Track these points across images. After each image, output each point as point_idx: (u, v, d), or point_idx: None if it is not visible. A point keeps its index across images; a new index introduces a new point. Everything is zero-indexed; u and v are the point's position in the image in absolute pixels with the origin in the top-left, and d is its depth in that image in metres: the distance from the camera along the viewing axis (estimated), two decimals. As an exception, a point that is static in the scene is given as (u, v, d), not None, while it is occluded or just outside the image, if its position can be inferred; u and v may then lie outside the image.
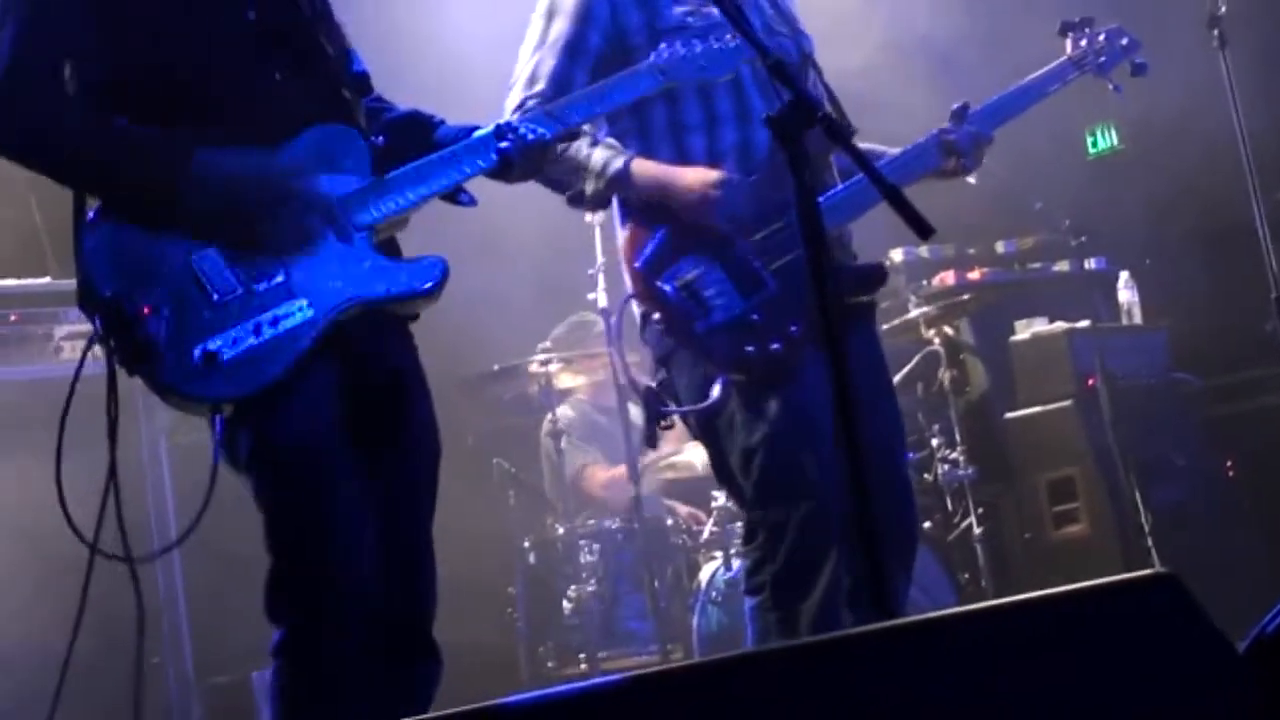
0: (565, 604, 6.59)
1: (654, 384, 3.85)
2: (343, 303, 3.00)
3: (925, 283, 7.32)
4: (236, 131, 3.02)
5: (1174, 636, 1.87)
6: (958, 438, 6.74)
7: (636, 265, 3.83)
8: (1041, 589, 2.05)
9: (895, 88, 6.71)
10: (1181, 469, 6.75)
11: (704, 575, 6.31)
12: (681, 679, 1.97)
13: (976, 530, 6.62)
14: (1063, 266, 7.64)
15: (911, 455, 6.65)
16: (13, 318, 5.48)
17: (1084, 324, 7.03)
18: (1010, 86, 4.13)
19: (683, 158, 3.88)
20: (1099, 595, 1.93)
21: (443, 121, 3.37)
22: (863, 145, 3.89)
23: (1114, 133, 8.30)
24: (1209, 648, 1.86)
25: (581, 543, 6.64)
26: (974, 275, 7.39)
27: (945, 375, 6.89)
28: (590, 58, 3.88)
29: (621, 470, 6.68)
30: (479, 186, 3.30)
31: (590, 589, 6.52)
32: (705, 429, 3.90)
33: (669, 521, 6.76)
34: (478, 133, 3.26)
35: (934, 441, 6.80)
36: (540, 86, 3.85)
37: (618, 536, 6.63)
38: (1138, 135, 7.92)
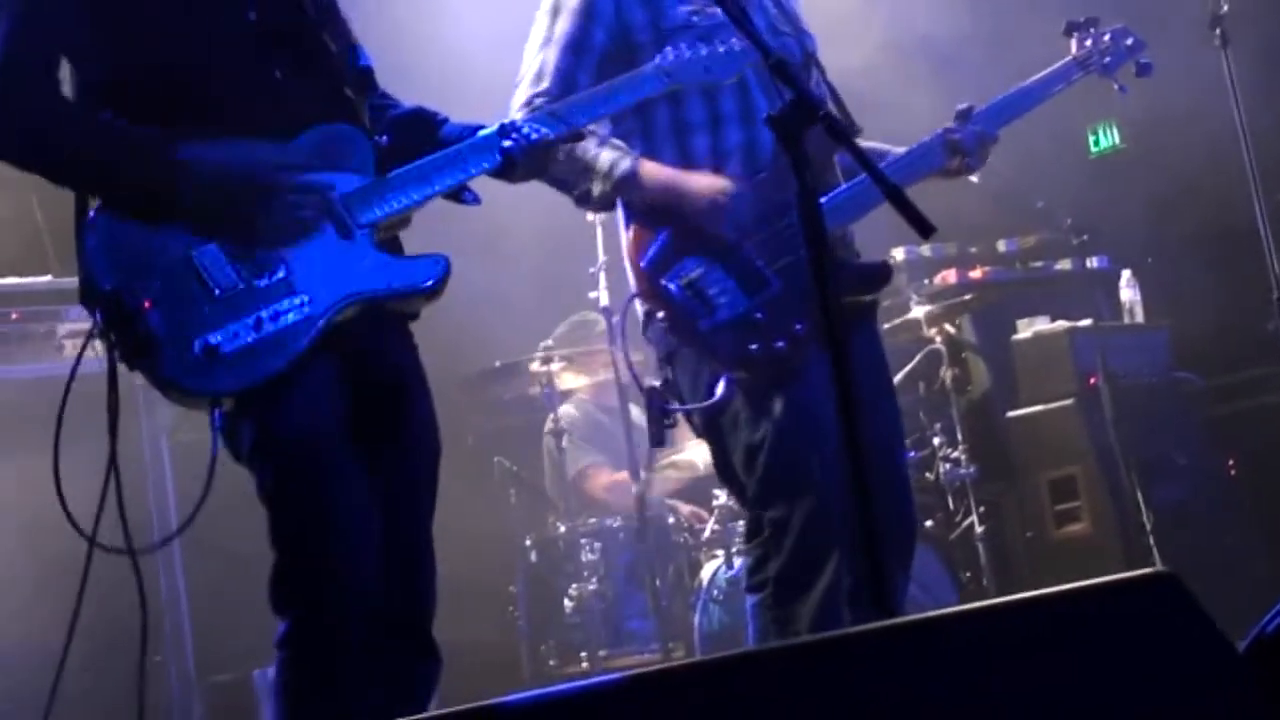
0: (567, 602, 6.59)
1: (657, 382, 3.85)
2: (343, 298, 3.00)
3: (927, 281, 7.31)
4: (237, 132, 3.02)
5: (1174, 635, 1.87)
6: (959, 436, 6.74)
7: (641, 264, 3.83)
8: (1043, 588, 2.05)
9: (896, 87, 6.71)
10: (1183, 468, 6.75)
11: (705, 573, 6.31)
12: (683, 677, 1.97)
13: (978, 529, 6.62)
14: (1065, 265, 7.64)
15: (913, 454, 6.66)
16: (14, 316, 5.49)
17: (1086, 323, 7.03)
18: (1015, 86, 4.12)
19: (686, 157, 3.88)
20: (1099, 594, 1.93)
21: (447, 119, 3.37)
22: (868, 145, 3.91)
23: (1116, 131, 8.29)
24: (1209, 647, 1.86)
25: (583, 541, 6.64)
26: (976, 274, 7.39)
27: (947, 374, 6.89)
28: (595, 55, 3.88)
29: (625, 475, 6.67)
30: (481, 184, 3.30)
31: (592, 587, 6.52)
32: (709, 426, 3.91)
33: (670, 520, 6.75)
34: (482, 132, 3.26)
35: (936, 440, 6.80)
36: (546, 84, 3.85)
37: (619, 535, 6.63)
38: (1140, 134, 7.92)
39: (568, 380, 7.21)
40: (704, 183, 3.81)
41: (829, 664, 1.89)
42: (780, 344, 3.72)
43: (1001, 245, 7.83)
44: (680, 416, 3.96)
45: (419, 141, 3.26)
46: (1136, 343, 7.09)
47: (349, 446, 3.03)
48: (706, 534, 6.55)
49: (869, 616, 2.69)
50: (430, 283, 3.10)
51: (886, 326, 6.66)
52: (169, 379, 2.91)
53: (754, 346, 3.73)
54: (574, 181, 3.86)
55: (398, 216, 3.14)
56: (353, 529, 2.99)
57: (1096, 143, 8.36)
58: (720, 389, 3.75)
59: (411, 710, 2.97)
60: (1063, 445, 6.82)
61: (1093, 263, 7.63)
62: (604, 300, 6.51)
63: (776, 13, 3.99)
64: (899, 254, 7.30)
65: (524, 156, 3.24)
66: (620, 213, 3.96)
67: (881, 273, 3.97)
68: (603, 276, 6.49)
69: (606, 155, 3.83)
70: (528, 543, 6.81)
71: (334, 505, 2.99)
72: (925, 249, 7.41)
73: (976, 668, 1.85)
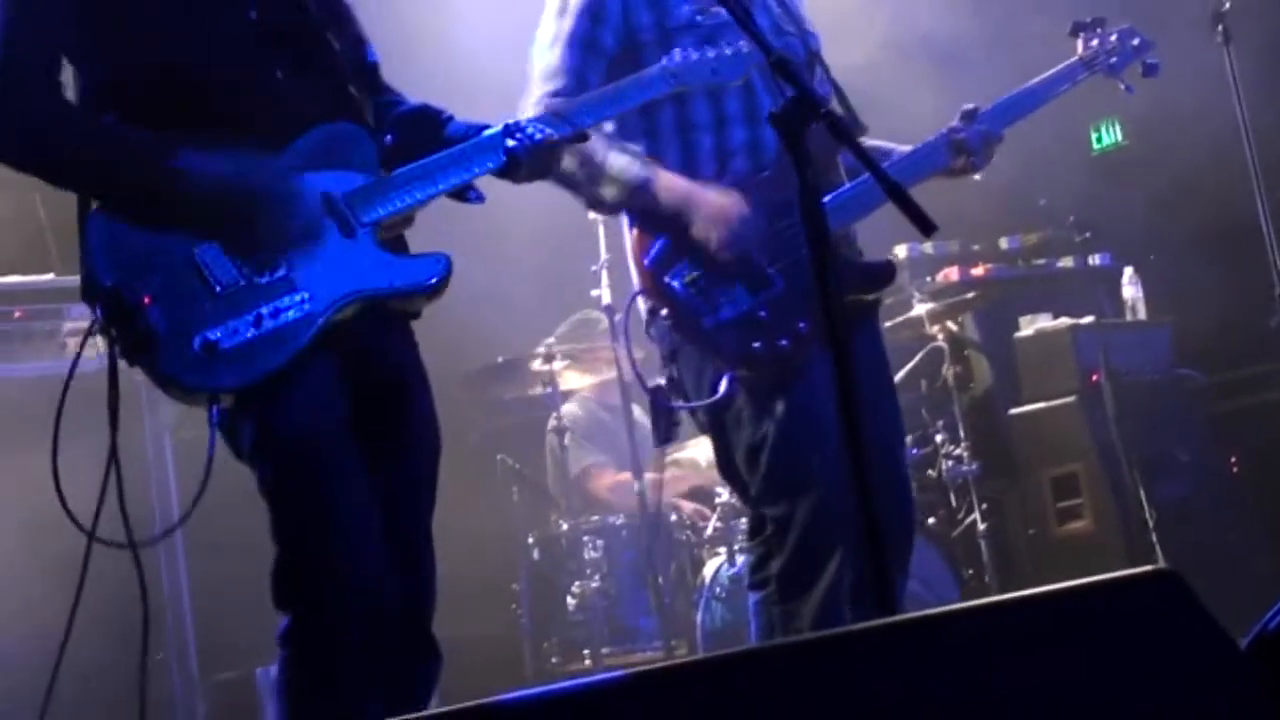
0: (569, 600, 6.60)
1: (662, 381, 3.85)
2: (344, 296, 3.01)
3: (929, 279, 7.31)
4: (237, 131, 3.02)
5: (1175, 633, 1.87)
6: (962, 434, 6.75)
7: (645, 261, 3.83)
8: (1045, 585, 2.05)
9: (898, 85, 6.70)
10: (1185, 465, 6.75)
11: (708, 571, 6.31)
12: (685, 675, 1.98)
13: (980, 526, 6.62)
14: (1067, 262, 7.63)
15: (915, 451, 6.67)
16: (18, 314, 5.49)
17: (1088, 320, 7.03)
18: (1020, 86, 4.12)
19: (690, 157, 3.87)
20: (1100, 592, 1.93)
21: (452, 117, 3.36)
22: (872, 144, 3.91)
23: (1118, 129, 8.29)
24: (1210, 644, 1.86)
25: (585, 539, 6.65)
26: (978, 271, 7.38)
27: (949, 371, 6.89)
28: (604, 53, 3.87)
29: (628, 476, 6.67)
30: (484, 182, 3.29)
31: (594, 585, 6.52)
32: (712, 424, 3.91)
33: (673, 517, 6.76)
34: (487, 132, 3.26)
35: (938, 437, 6.80)
36: (560, 82, 3.82)
37: (622, 533, 6.64)
38: (1142, 131, 7.91)
39: (570, 378, 7.21)
40: (715, 205, 3.77)
41: (831, 661, 1.89)
42: (783, 342, 3.72)
43: (1004, 242, 7.83)
44: (685, 414, 3.96)
45: (424, 140, 3.25)
46: (1139, 340, 7.09)
47: (349, 444, 3.03)
48: (709, 531, 6.56)
49: (870, 615, 2.70)
50: (432, 282, 3.10)
51: (889, 324, 6.66)
52: (168, 375, 2.91)
53: (757, 345, 3.73)
54: (585, 185, 3.84)
55: (400, 215, 3.13)
56: (353, 527, 2.99)
57: (1099, 140, 8.35)
58: (723, 387, 3.75)
59: (412, 708, 2.97)
60: (1065, 442, 6.82)
61: (1095, 260, 7.62)
62: (606, 298, 6.52)
63: (781, 12, 3.99)
64: (901, 251, 7.29)
65: (528, 157, 3.23)
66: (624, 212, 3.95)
67: (885, 272, 3.97)
68: (605, 274, 6.49)
69: (619, 161, 3.82)
70: (530, 540, 6.82)
71: (334, 503, 2.99)
72: (927, 246, 7.41)
73: (978, 665, 1.86)
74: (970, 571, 6.67)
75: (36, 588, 4.68)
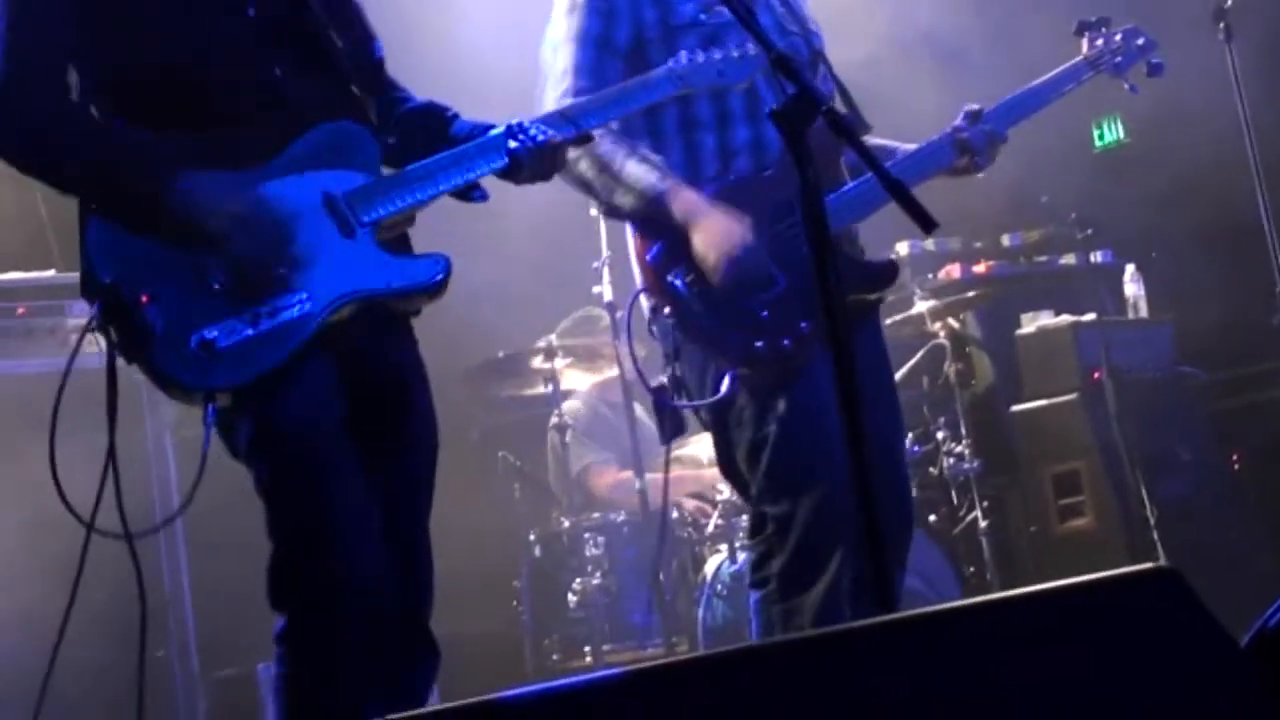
0: (570, 597, 6.59)
1: (664, 378, 3.85)
2: (343, 296, 3.00)
3: (931, 276, 7.32)
4: (237, 131, 3.02)
5: (1175, 630, 1.87)
6: (963, 431, 6.75)
7: (647, 259, 3.83)
8: (1046, 582, 2.05)
9: (899, 81, 6.70)
10: (1187, 463, 6.75)
11: (709, 568, 6.31)
12: (686, 672, 1.98)
13: (982, 523, 6.62)
14: (1069, 260, 7.63)
15: (917, 448, 6.66)
16: (20, 311, 5.49)
17: (1090, 317, 7.03)
18: (1024, 85, 4.11)
19: (693, 155, 3.86)
20: (1101, 589, 1.93)
21: (457, 115, 3.36)
22: (877, 142, 3.90)
23: (1120, 126, 8.28)
24: (1210, 641, 1.86)
25: (586, 536, 6.64)
26: (980, 268, 7.39)
27: (951, 368, 6.89)
28: (617, 50, 3.86)
29: (629, 474, 6.67)
30: (485, 180, 3.29)
31: (595, 582, 6.52)
32: (714, 422, 3.91)
33: (674, 515, 6.76)
34: (491, 132, 3.25)
35: (939, 435, 6.80)
36: (578, 80, 3.80)
37: (623, 530, 6.63)
38: (1144, 128, 7.90)
39: (572, 375, 7.21)
40: (722, 232, 3.72)
41: (832, 658, 1.89)
42: (786, 342, 3.71)
43: (1005, 240, 7.84)
44: (688, 412, 3.96)
45: (428, 139, 3.25)
46: (1140, 337, 7.09)
47: (347, 444, 3.02)
48: (710, 529, 6.55)
49: (871, 613, 2.69)
50: (431, 281, 3.09)
51: (890, 321, 6.67)
52: (165, 373, 2.91)
53: (760, 344, 3.72)
54: (602, 192, 3.82)
55: (401, 215, 3.13)
56: (349, 526, 2.98)
57: (1101, 137, 8.35)
58: (725, 386, 3.75)
59: (410, 706, 2.97)
60: (1066, 440, 6.82)
61: (1097, 257, 7.62)
62: (608, 295, 6.50)
63: (784, 11, 3.98)
64: (903, 249, 7.30)
65: (530, 159, 3.22)
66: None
67: (887, 271, 3.96)
68: (606, 271, 6.48)
69: (636, 170, 3.79)
70: (531, 537, 6.82)
71: (331, 503, 2.98)
72: (929, 244, 7.41)
73: (979, 662, 1.86)
74: (971, 569, 6.67)
75: (36, 587, 4.68)
